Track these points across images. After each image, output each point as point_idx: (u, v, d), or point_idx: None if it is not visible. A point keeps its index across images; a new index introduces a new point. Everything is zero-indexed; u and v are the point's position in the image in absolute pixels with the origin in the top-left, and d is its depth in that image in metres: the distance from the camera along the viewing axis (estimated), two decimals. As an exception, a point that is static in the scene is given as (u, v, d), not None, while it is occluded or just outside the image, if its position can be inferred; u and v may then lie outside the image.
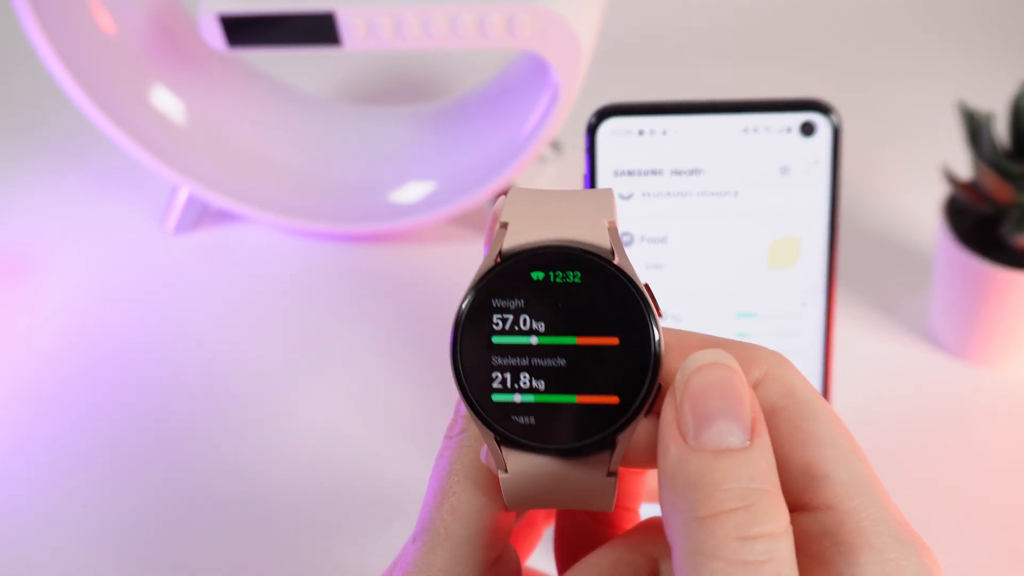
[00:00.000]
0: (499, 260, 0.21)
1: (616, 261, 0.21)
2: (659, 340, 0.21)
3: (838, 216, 0.40)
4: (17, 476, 0.51)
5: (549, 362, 0.21)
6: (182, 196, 0.63)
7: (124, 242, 0.64)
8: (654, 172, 0.40)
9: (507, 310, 0.21)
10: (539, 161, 0.69)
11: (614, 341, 0.21)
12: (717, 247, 0.41)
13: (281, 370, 0.56)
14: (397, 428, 0.52)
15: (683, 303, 0.42)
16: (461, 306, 0.21)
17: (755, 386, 0.21)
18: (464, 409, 0.22)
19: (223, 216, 0.65)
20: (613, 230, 0.21)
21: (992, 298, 0.50)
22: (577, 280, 0.21)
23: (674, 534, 0.19)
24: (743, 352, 0.22)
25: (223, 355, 0.57)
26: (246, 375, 0.55)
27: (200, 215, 0.65)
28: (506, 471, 0.21)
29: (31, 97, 0.76)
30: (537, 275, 0.21)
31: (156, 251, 0.64)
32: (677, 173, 0.40)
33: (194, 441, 0.52)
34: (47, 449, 0.52)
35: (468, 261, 0.62)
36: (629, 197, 0.41)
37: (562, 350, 0.21)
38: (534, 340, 0.21)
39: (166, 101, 0.62)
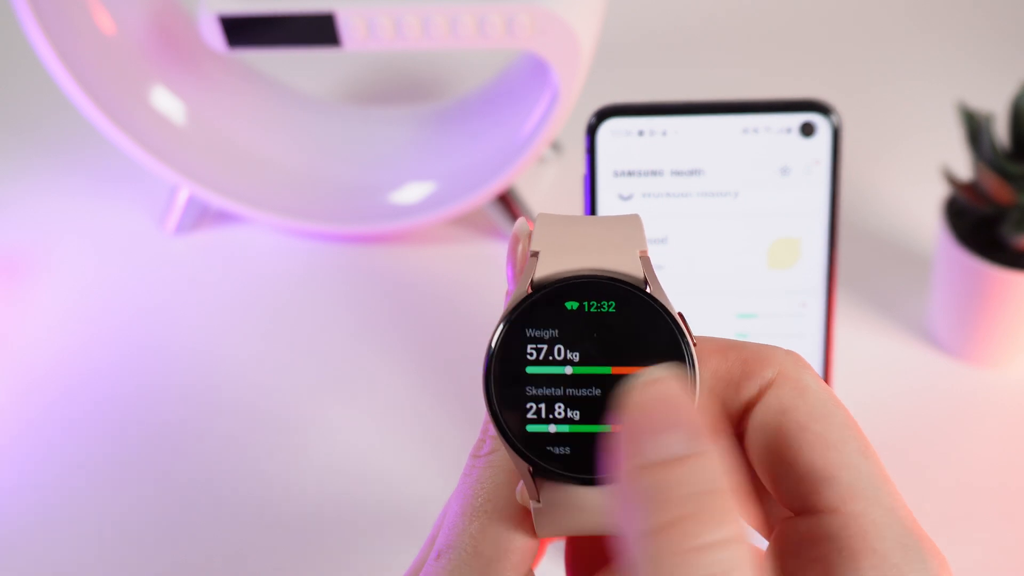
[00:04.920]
0: (531, 290, 0.21)
1: (650, 290, 0.21)
2: (696, 369, 0.21)
3: (838, 216, 0.40)
4: (16, 477, 0.51)
5: (584, 392, 0.21)
6: (182, 197, 0.63)
7: (124, 243, 0.64)
8: (654, 173, 0.40)
9: (541, 340, 0.21)
10: (539, 162, 0.69)
11: None
12: (717, 248, 0.41)
13: (280, 370, 0.56)
14: (396, 428, 0.52)
15: (683, 303, 0.42)
16: (494, 336, 0.21)
17: (767, 386, 0.21)
18: (493, 430, 0.22)
19: (223, 216, 0.65)
20: (645, 259, 0.21)
21: (992, 298, 0.50)
22: (612, 310, 0.21)
23: (630, 555, 0.18)
24: (757, 352, 0.22)
25: (222, 355, 0.57)
26: (245, 375, 0.55)
27: (200, 215, 0.65)
28: (539, 502, 0.21)
29: (31, 97, 0.76)
30: (571, 305, 0.21)
31: (156, 251, 0.64)
32: (677, 174, 0.40)
33: (193, 442, 0.52)
34: (47, 450, 0.52)
35: (468, 262, 0.62)
36: (629, 198, 0.41)
37: (597, 380, 0.21)
38: (568, 370, 0.21)
39: (166, 101, 0.62)
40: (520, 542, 0.22)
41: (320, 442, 0.52)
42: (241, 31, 0.52)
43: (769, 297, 0.42)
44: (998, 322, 0.51)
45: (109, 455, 0.51)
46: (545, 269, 0.21)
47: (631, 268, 0.21)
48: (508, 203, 0.61)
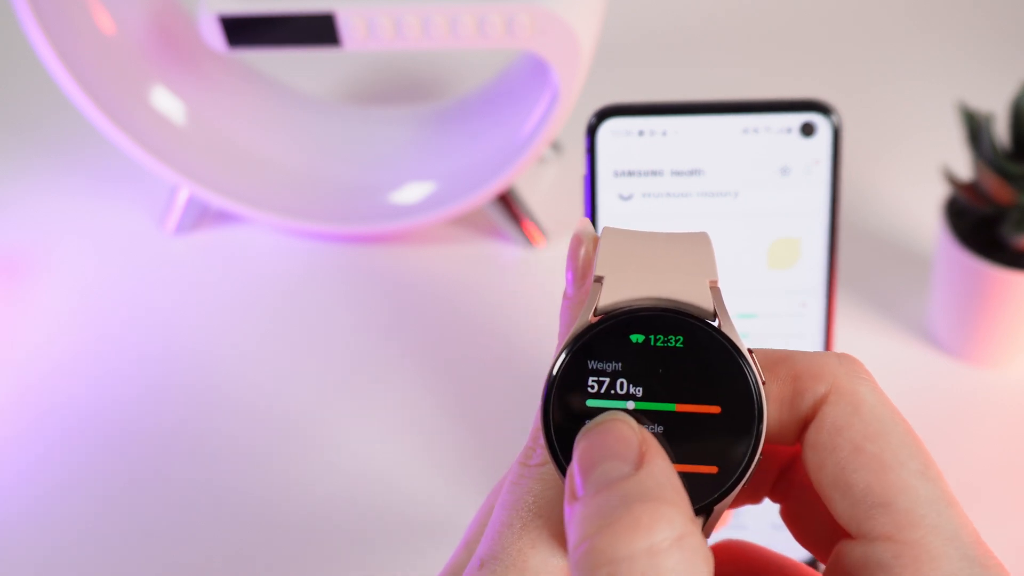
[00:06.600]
0: (595, 319, 0.20)
1: (720, 325, 0.20)
2: (764, 410, 0.20)
3: (838, 216, 0.40)
4: (16, 477, 0.51)
5: (646, 428, 0.20)
6: (182, 197, 0.63)
7: (124, 243, 0.64)
8: (654, 173, 0.40)
9: (603, 373, 0.20)
10: (539, 162, 0.69)
11: (715, 409, 0.20)
12: (717, 247, 0.41)
13: (280, 370, 0.56)
14: (396, 428, 0.52)
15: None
16: (555, 365, 0.20)
17: (819, 403, 0.20)
18: (544, 440, 0.21)
19: (223, 216, 0.65)
20: (716, 290, 0.21)
21: (992, 298, 0.50)
22: (679, 345, 0.20)
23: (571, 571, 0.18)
24: (808, 366, 0.21)
25: (222, 356, 0.57)
26: (245, 376, 0.55)
27: (200, 215, 0.65)
28: None
29: (31, 97, 0.76)
30: (636, 338, 0.20)
31: (156, 251, 0.64)
32: (677, 174, 0.40)
33: (193, 442, 0.52)
34: (47, 450, 0.52)
35: (468, 262, 0.62)
36: (629, 198, 0.41)
37: (660, 416, 0.20)
38: (631, 405, 0.20)
39: (166, 101, 0.62)
40: (567, 560, 0.21)
41: (320, 442, 0.52)
42: (241, 31, 0.52)
43: (769, 297, 0.42)
44: (998, 322, 0.51)
45: (109, 455, 0.51)
46: (610, 297, 0.20)
47: (701, 300, 0.20)
48: (508, 203, 0.61)
